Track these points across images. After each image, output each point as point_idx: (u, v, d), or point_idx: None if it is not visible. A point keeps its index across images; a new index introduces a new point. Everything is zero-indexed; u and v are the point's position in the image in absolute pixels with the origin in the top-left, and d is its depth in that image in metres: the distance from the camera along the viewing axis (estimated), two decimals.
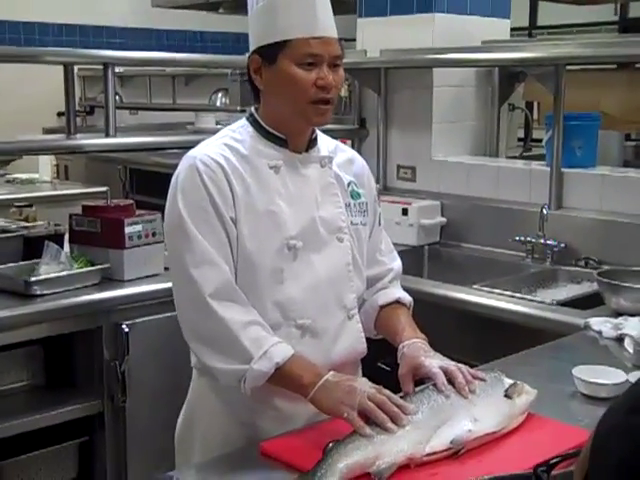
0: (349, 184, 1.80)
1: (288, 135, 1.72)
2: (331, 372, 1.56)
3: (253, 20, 1.71)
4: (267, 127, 1.72)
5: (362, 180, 1.84)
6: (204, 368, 1.66)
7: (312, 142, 1.76)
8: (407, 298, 1.87)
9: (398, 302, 1.85)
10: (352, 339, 1.76)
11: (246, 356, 1.56)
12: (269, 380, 1.57)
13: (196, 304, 1.60)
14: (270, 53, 1.65)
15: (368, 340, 1.82)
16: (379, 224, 1.89)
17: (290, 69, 1.63)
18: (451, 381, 1.57)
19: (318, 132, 1.79)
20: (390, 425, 1.44)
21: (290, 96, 1.65)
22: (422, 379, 1.63)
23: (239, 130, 1.74)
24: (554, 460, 0.90)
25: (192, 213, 1.61)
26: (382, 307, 1.83)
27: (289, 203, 1.68)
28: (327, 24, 1.66)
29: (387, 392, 1.51)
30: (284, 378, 1.57)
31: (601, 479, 0.70)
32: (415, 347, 1.68)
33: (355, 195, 1.80)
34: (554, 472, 0.87)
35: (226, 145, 1.69)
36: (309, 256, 1.69)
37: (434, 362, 1.62)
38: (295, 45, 1.62)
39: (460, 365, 1.62)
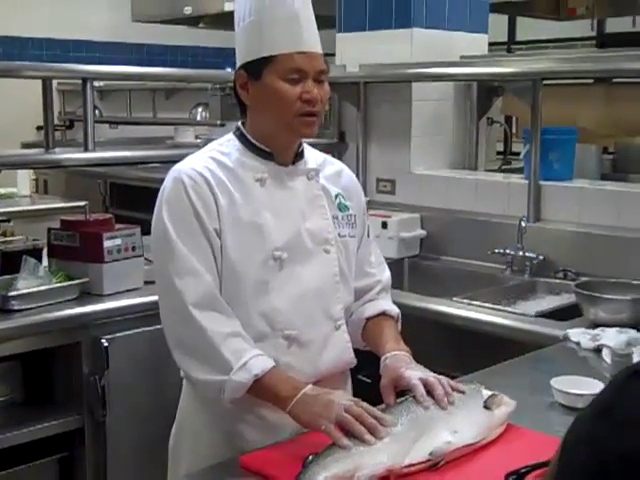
0: (337, 196, 1.81)
1: (275, 149, 1.74)
2: (309, 386, 1.57)
3: (239, 36, 1.73)
4: (254, 141, 1.74)
5: (350, 193, 1.86)
6: (187, 378, 1.68)
7: (299, 155, 1.78)
8: (394, 310, 1.88)
9: (384, 314, 1.86)
10: (339, 349, 1.77)
11: (226, 367, 1.57)
12: (249, 392, 1.58)
13: (179, 313, 1.62)
14: (256, 69, 1.67)
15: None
16: (368, 236, 1.90)
17: (275, 84, 1.65)
18: (430, 393, 1.57)
19: (305, 145, 1.81)
20: (368, 437, 1.44)
21: (276, 110, 1.67)
22: (403, 391, 1.64)
23: (226, 144, 1.76)
24: (524, 469, 0.91)
25: (176, 225, 1.64)
26: (368, 319, 1.84)
27: (275, 215, 1.69)
28: (312, 39, 1.69)
29: (364, 404, 1.52)
30: (263, 390, 1.58)
31: None
32: (397, 359, 1.69)
33: (343, 207, 1.81)
34: None
35: (212, 158, 1.72)
36: (295, 267, 1.70)
37: (414, 374, 1.62)
38: (280, 60, 1.65)
39: (440, 377, 1.63)
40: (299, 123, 1.68)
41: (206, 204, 1.65)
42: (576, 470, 0.70)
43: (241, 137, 1.75)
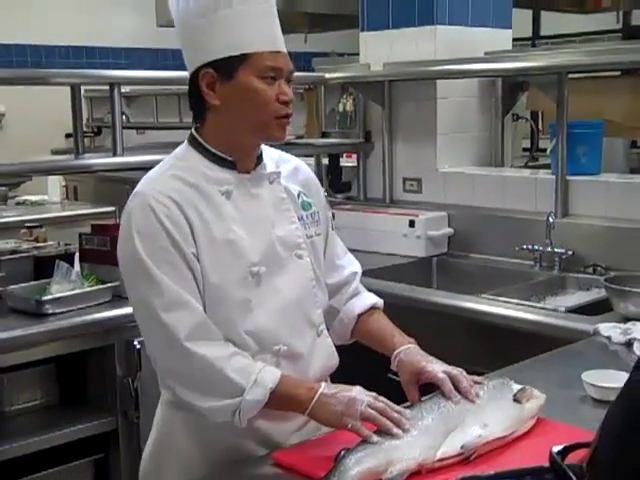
0: (299, 195, 1.76)
1: (236, 155, 1.67)
2: (323, 384, 1.57)
3: (205, 31, 1.61)
4: (213, 150, 1.66)
5: (309, 188, 1.81)
6: (190, 408, 1.59)
7: (258, 159, 1.71)
8: (380, 301, 1.88)
9: (373, 307, 1.85)
10: (325, 356, 1.75)
11: (237, 389, 1.53)
12: (265, 405, 1.54)
13: (173, 349, 1.54)
14: (228, 67, 1.59)
15: (376, 352, 1.81)
16: (332, 229, 1.87)
17: (253, 83, 1.59)
18: (456, 386, 1.58)
19: (262, 146, 1.73)
20: (395, 430, 1.45)
21: (252, 110, 1.60)
22: (425, 385, 1.64)
23: (184, 156, 1.68)
24: (570, 445, 0.93)
25: (152, 255, 1.55)
26: (359, 315, 1.83)
27: (246, 229, 1.63)
28: (282, 39, 1.64)
29: (384, 399, 1.53)
30: (278, 400, 1.55)
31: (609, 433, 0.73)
32: (412, 352, 1.69)
33: (306, 206, 1.77)
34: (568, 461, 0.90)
35: (174, 176, 1.62)
36: (273, 280, 1.65)
37: (436, 367, 1.63)
38: (258, 58, 1.58)
39: (460, 369, 1.63)
40: (275, 126, 1.62)
41: (180, 227, 1.56)
42: (615, 421, 0.71)
43: (199, 146, 1.67)
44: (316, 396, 1.52)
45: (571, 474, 0.84)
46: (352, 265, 1.90)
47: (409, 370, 1.65)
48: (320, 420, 1.54)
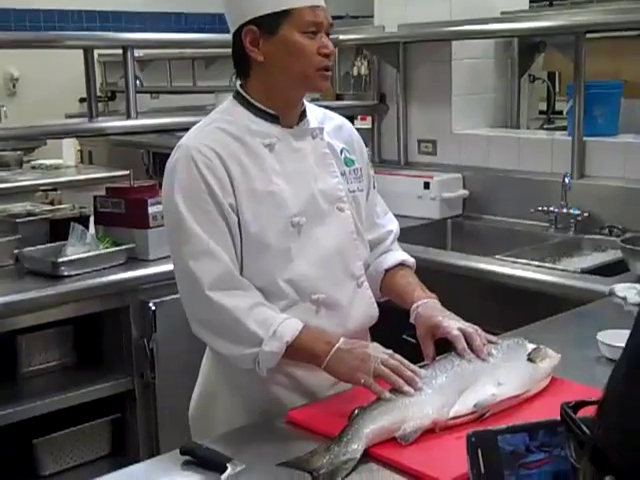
0: (342, 151, 1.79)
1: (280, 110, 1.70)
2: (342, 339, 1.57)
3: None
4: (257, 104, 1.69)
5: (353, 145, 1.83)
6: (217, 352, 1.67)
7: (302, 115, 1.74)
8: (410, 260, 1.89)
9: (402, 264, 1.86)
10: (365, 306, 1.77)
11: (256, 339, 1.56)
12: (283, 356, 1.57)
13: (198, 297, 1.59)
14: (271, 23, 1.62)
15: (392, 313, 1.82)
16: (374, 187, 1.89)
17: (296, 38, 1.62)
18: (469, 344, 1.58)
19: (306, 103, 1.78)
20: (407, 388, 1.47)
21: (296, 64, 1.64)
22: (440, 341, 1.65)
23: (228, 110, 1.71)
24: (581, 400, 0.93)
25: (190, 205, 1.60)
26: (387, 270, 1.85)
27: (287, 181, 1.67)
28: None
29: (399, 357, 1.54)
30: (296, 353, 1.58)
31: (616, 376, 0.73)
32: (429, 306, 1.69)
33: (349, 162, 1.79)
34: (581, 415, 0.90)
35: (219, 129, 1.66)
36: (313, 231, 1.68)
37: (452, 323, 1.63)
38: (298, 14, 1.61)
39: (476, 327, 1.64)
40: (318, 77, 1.66)
41: (220, 180, 1.60)
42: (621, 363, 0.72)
43: (243, 101, 1.70)
44: (332, 351, 1.54)
45: (581, 424, 0.84)
46: (390, 224, 1.92)
47: (425, 324, 1.67)
48: (335, 374, 1.56)
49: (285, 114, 1.71)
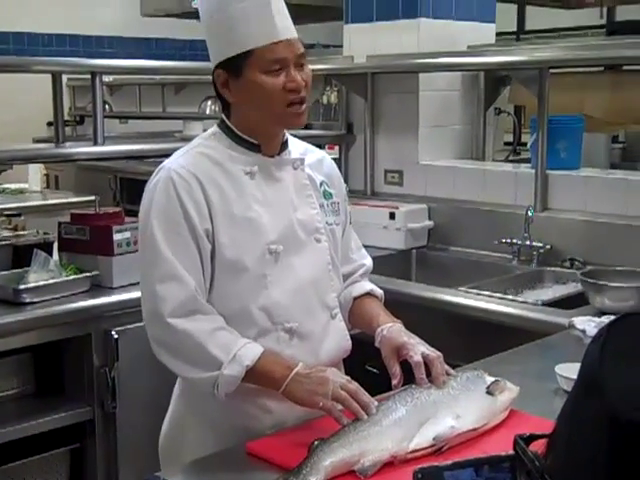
0: (321, 184, 1.81)
1: (261, 140, 1.72)
2: (301, 364, 1.59)
3: (210, 33, 1.71)
4: (240, 134, 1.72)
5: (332, 180, 1.86)
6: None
7: (283, 145, 1.77)
8: (379, 291, 1.91)
9: (370, 294, 1.89)
10: (338, 338, 1.78)
11: (216, 363, 1.57)
12: (243, 380, 1.58)
13: (160, 321, 1.60)
14: (234, 66, 1.65)
15: (356, 343, 1.84)
16: (350, 223, 1.92)
17: (258, 78, 1.63)
18: (428, 370, 1.61)
19: (288, 135, 1.80)
20: (362, 413, 1.48)
21: (263, 105, 1.66)
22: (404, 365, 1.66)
23: (212, 138, 1.74)
24: (536, 434, 0.94)
25: (164, 226, 1.62)
26: (355, 299, 1.87)
27: (266, 208, 1.69)
28: (286, 26, 1.66)
29: (356, 383, 1.55)
30: (256, 376, 1.59)
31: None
32: (395, 330, 1.72)
33: (327, 195, 1.82)
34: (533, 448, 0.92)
35: (201, 154, 1.69)
36: (290, 259, 1.70)
37: (417, 346, 1.66)
38: (259, 53, 1.62)
39: (439, 353, 1.66)
40: (288, 115, 1.67)
41: (197, 204, 1.62)
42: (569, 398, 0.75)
43: (227, 130, 1.73)
44: (291, 375, 1.55)
45: (532, 456, 0.86)
46: (364, 259, 1.95)
47: (391, 344, 1.69)
48: (294, 399, 1.56)
49: (266, 144, 1.74)
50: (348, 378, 1.57)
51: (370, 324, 1.78)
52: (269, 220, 1.68)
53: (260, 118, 1.69)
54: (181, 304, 1.59)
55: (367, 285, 1.91)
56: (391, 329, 1.72)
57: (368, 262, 1.95)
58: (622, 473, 0.68)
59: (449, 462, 1.14)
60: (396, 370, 1.66)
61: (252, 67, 1.63)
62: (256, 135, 1.72)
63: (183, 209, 1.61)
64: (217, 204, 1.64)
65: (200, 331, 1.58)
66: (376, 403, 1.53)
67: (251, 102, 1.67)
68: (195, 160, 1.67)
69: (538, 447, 0.90)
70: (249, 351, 1.58)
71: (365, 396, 1.52)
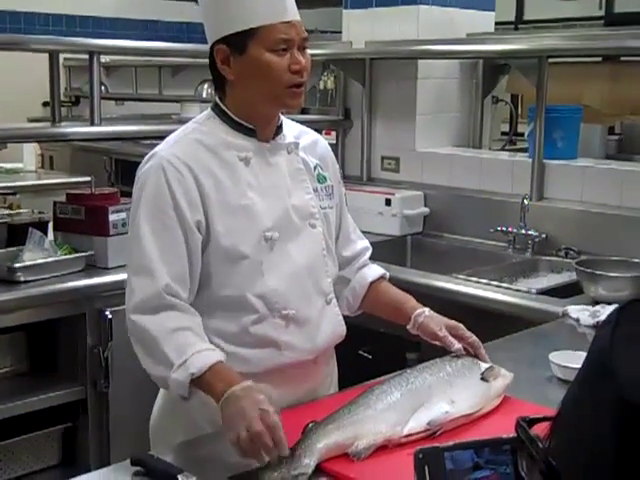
0: (315, 167, 1.80)
1: (257, 124, 1.69)
2: (245, 383, 1.45)
3: (211, 9, 1.67)
4: (235, 117, 1.69)
5: (326, 162, 1.84)
6: None
7: (278, 129, 1.74)
8: (387, 273, 1.94)
9: (383, 277, 1.91)
10: (333, 323, 1.78)
11: (168, 363, 1.52)
12: (194, 386, 1.52)
13: (126, 312, 1.59)
14: (239, 42, 1.61)
15: (349, 328, 1.83)
16: (346, 204, 1.92)
17: (264, 56, 1.60)
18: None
19: (283, 118, 1.78)
20: (264, 454, 1.35)
21: (265, 83, 1.63)
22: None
23: (205, 122, 1.71)
24: (536, 417, 0.95)
25: (151, 217, 1.59)
26: (371, 283, 1.87)
27: (261, 195, 1.67)
28: (293, 7, 1.65)
29: (275, 417, 1.38)
30: (203, 387, 1.51)
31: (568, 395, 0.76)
32: (434, 314, 1.78)
33: (321, 179, 1.80)
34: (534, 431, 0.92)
35: (195, 140, 1.66)
36: (286, 246, 1.68)
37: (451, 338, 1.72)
38: (266, 31, 1.60)
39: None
40: (287, 95, 1.64)
41: (188, 194, 1.59)
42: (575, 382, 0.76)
43: (221, 114, 1.70)
44: (226, 394, 1.44)
45: (535, 439, 0.86)
46: (363, 240, 1.95)
47: (439, 323, 1.75)
48: (222, 419, 1.45)
49: (261, 128, 1.70)
50: (276, 409, 1.40)
51: (398, 307, 1.82)
52: (264, 207, 1.66)
53: (257, 98, 1.66)
54: (146, 300, 1.56)
55: (377, 268, 1.92)
56: (431, 312, 1.78)
57: (368, 243, 1.96)
58: (630, 456, 0.69)
59: (450, 443, 1.14)
60: (453, 339, 1.70)
61: (258, 44, 1.60)
62: (251, 118, 1.68)
63: (173, 200, 1.58)
64: (211, 193, 1.61)
65: (159, 329, 1.54)
66: (376, 392, 1.52)
67: (252, 79, 1.64)
68: (189, 148, 1.64)
69: (539, 432, 0.90)
70: (200, 360, 1.51)
71: (280, 435, 1.35)
